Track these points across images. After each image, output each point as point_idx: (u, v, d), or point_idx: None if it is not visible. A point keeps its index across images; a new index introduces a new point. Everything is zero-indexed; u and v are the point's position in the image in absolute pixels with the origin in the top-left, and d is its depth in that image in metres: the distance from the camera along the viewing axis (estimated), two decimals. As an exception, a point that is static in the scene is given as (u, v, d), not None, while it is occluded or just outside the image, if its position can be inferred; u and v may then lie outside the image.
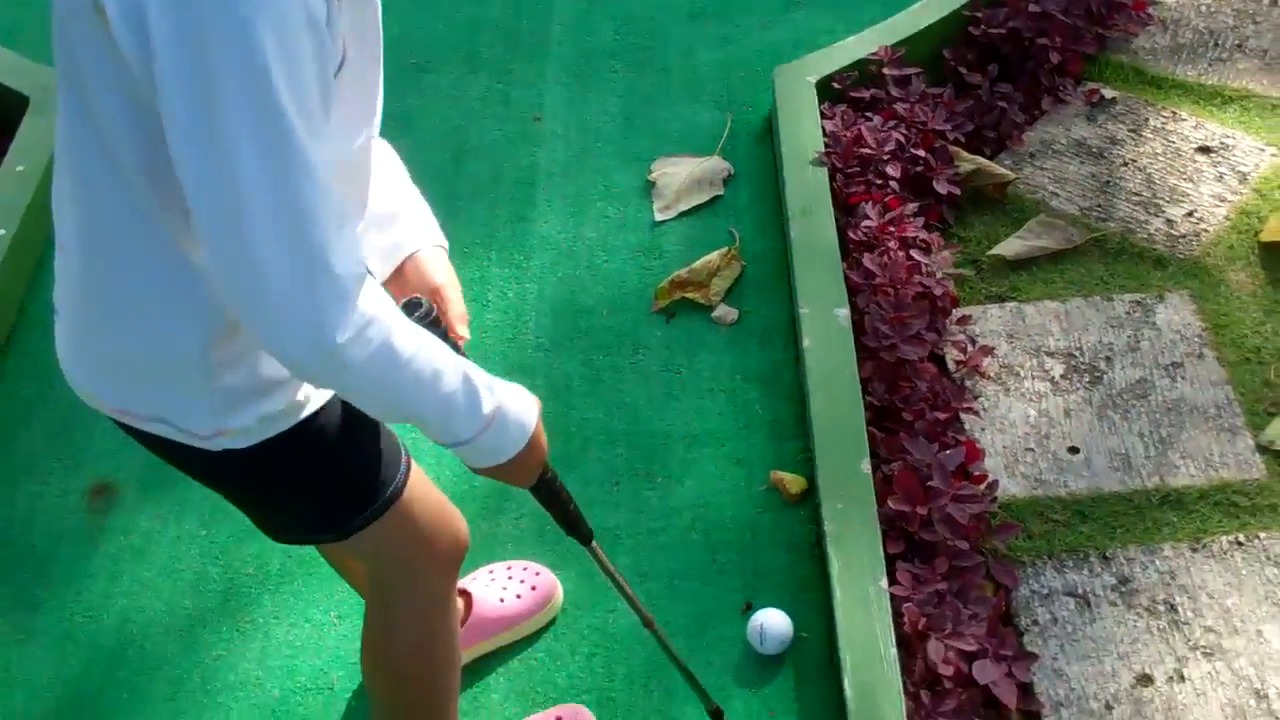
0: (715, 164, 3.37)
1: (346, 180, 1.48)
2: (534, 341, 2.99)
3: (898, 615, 2.40)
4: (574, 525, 1.92)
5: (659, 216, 3.26)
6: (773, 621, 2.44)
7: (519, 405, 1.62)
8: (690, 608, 2.50)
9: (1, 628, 2.48)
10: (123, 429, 1.65)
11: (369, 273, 1.41)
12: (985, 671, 2.37)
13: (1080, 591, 2.62)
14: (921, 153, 3.29)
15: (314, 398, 1.64)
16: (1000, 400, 2.95)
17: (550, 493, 1.83)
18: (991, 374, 3.01)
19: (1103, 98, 3.63)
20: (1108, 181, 3.43)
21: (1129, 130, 3.56)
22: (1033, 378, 3.00)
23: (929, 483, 2.59)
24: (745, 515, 2.66)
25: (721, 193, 3.31)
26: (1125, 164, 3.47)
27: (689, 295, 3.06)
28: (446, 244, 1.79)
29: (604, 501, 2.67)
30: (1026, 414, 2.92)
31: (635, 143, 3.44)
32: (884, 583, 2.42)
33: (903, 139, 3.30)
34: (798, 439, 2.76)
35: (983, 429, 2.89)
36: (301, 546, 2.23)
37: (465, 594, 2.46)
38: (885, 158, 3.23)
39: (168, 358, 1.53)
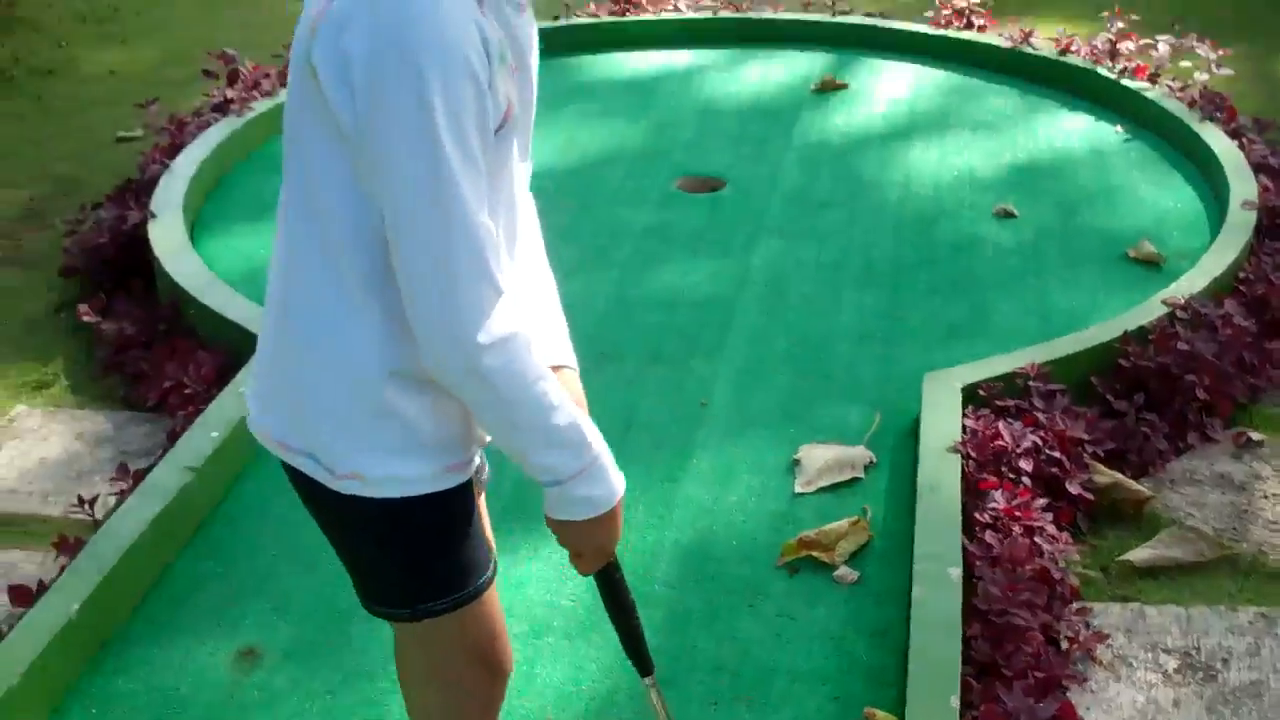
0: (859, 452, 3.59)
1: (497, 208, 1.74)
2: (662, 578, 3.18)
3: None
4: (637, 646, 2.04)
5: (798, 489, 3.47)
6: None
7: (614, 471, 1.82)
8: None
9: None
10: (285, 471, 1.90)
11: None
12: None
13: None
14: (1058, 454, 3.44)
15: (446, 478, 1.84)
16: (1109, 685, 2.98)
17: (613, 589, 1.97)
18: (1104, 661, 3.05)
19: (1250, 440, 3.74)
20: (1246, 510, 3.50)
21: (1274, 470, 3.65)
22: (1145, 669, 3.03)
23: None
24: (834, 746, 2.74)
25: (862, 476, 3.51)
26: (1266, 496, 3.55)
27: (814, 554, 3.23)
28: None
29: (699, 717, 2.78)
30: (1134, 699, 2.94)
31: (789, 431, 3.69)
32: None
33: (1040, 441, 3.47)
34: (897, 686, 2.84)
35: (1087, 708, 2.91)
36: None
37: None
38: (1019, 453, 3.40)
39: (338, 385, 1.77)
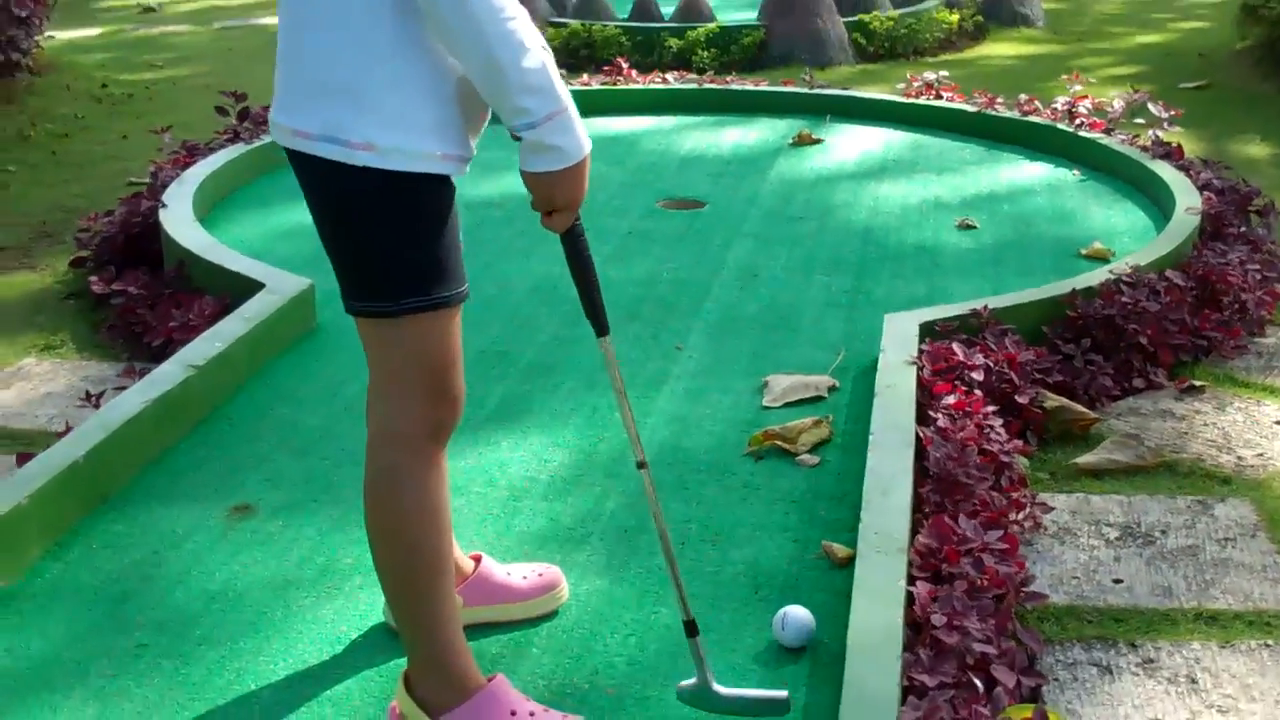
0: (823, 379, 3.81)
1: None
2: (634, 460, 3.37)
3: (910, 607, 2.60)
4: (595, 308, 2.26)
5: (765, 404, 3.69)
6: (796, 613, 2.65)
7: (581, 128, 2.05)
8: (729, 616, 2.74)
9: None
10: (293, 164, 2.13)
11: None
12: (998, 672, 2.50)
13: (1104, 664, 2.74)
14: (1009, 373, 3.67)
15: (441, 164, 2.06)
16: (1054, 547, 3.17)
17: (578, 251, 2.21)
18: (1050, 532, 3.24)
19: (1193, 386, 3.97)
20: (1186, 433, 3.71)
21: (1214, 407, 3.87)
22: (1088, 537, 3.21)
23: (964, 538, 2.82)
24: (793, 570, 2.91)
25: (825, 396, 3.73)
26: (1206, 424, 3.76)
27: (778, 443, 3.43)
28: None
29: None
30: (1078, 558, 3.12)
31: (758, 366, 3.92)
32: (902, 589, 2.63)
33: (991, 364, 3.70)
34: (853, 532, 3.02)
35: (1033, 561, 3.09)
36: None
37: (476, 556, 2.71)
38: (972, 365, 3.63)
39: (356, 59, 1.99)
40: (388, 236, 2.10)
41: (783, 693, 2.38)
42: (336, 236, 2.15)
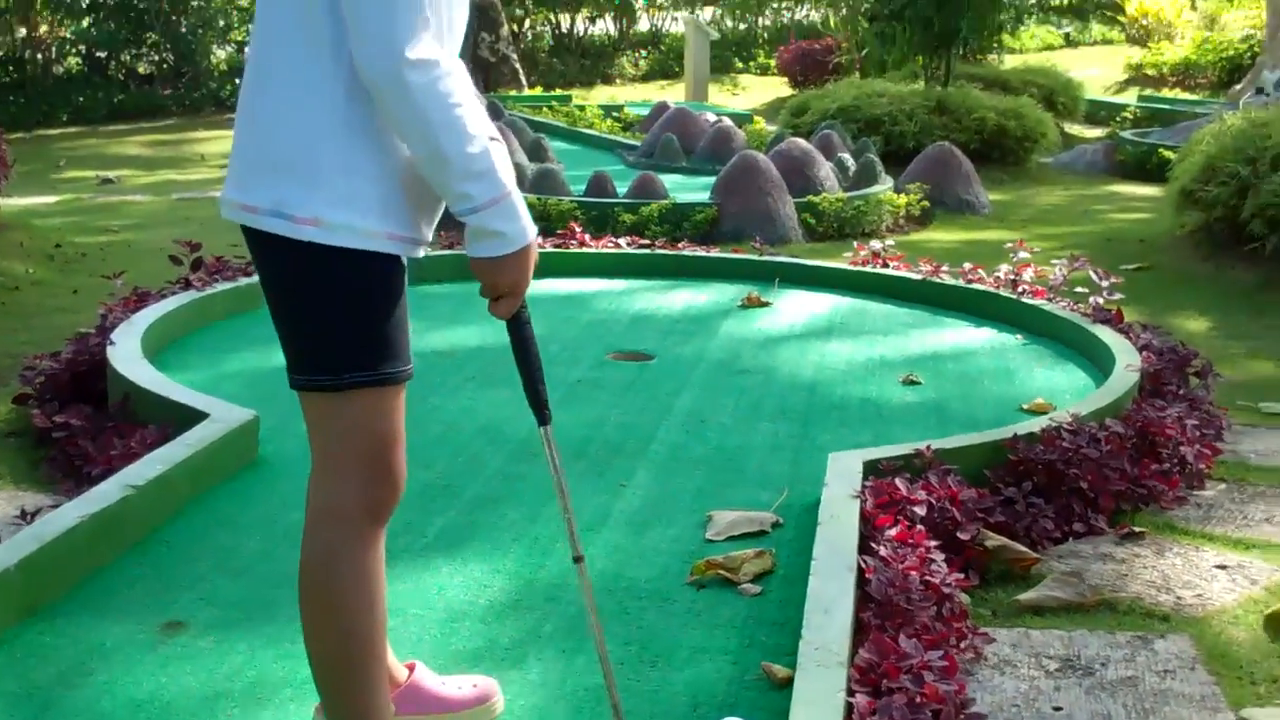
0: (766, 515, 3.82)
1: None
2: (576, 586, 3.36)
3: None
4: (537, 396, 2.33)
5: (709, 538, 3.68)
6: None
7: (525, 215, 2.11)
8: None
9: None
10: (245, 238, 2.18)
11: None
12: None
13: (1045, 787, 2.71)
14: (951, 509, 3.69)
15: (388, 243, 2.12)
16: (994, 677, 3.15)
17: (523, 339, 2.27)
18: (991, 663, 3.22)
19: (1133, 532, 4.00)
20: (1126, 575, 3.73)
21: (1153, 551, 3.89)
22: (1029, 669, 3.20)
23: (904, 655, 2.80)
24: (732, 690, 2.89)
25: (769, 531, 3.74)
26: (1146, 569, 3.78)
27: (721, 572, 3.42)
28: None
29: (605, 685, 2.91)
30: (1018, 687, 3.11)
31: (702, 503, 3.93)
32: (842, 699, 2.60)
33: (934, 501, 3.72)
34: (793, 655, 2.99)
35: (973, 690, 3.07)
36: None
37: (410, 665, 2.66)
38: (914, 500, 3.65)
39: (309, 139, 2.07)
40: (334, 312, 2.14)
41: None
42: (283, 310, 2.19)
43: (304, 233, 2.09)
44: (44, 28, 18.59)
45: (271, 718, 2.72)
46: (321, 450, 2.22)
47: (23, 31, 18.53)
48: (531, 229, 2.14)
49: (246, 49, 2.18)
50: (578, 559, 2.43)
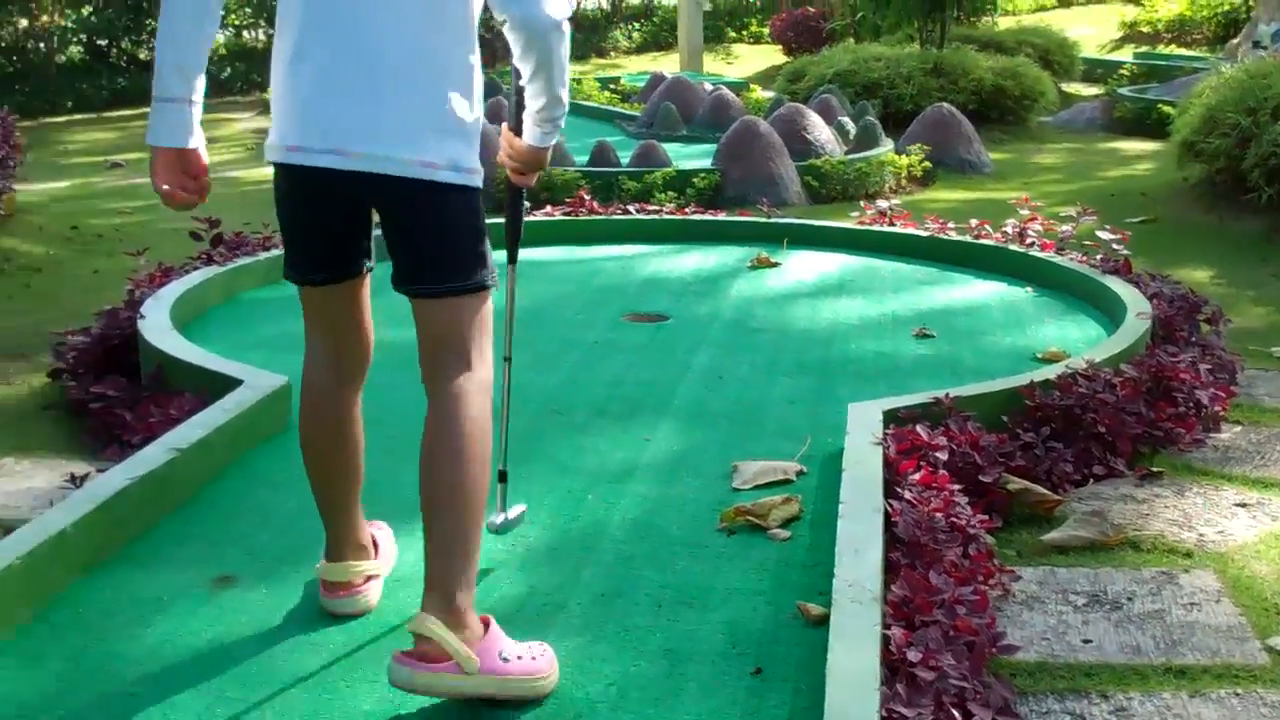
0: (791, 464, 3.91)
1: None
2: (610, 537, 3.45)
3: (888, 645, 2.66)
4: (516, 239, 3.16)
5: (735, 487, 3.77)
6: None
7: None
8: (709, 670, 2.80)
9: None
10: (375, 187, 2.64)
11: None
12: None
13: (1078, 713, 2.80)
14: (972, 454, 3.78)
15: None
16: (1023, 613, 3.24)
17: (521, 198, 3.14)
18: (1019, 600, 3.31)
19: (1151, 473, 4.09)
20: (1148, 514, 3.82)
21: (1173, 492, 3.98)
22: (1057, 604, 3.29)
23: (936, 589, 2.89)
24: (769, 629, 2.97)
25: (793, 479, 3.82)
26: (1167, 507, 3.87)
27: (750, 519, 3.51)
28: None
29: (645, 625, 3.00)
30: (1047, 621, 3.20)
31: (726, 454, 4.02)
32: (878, 632, 2.69)
33: (955, 446, 3.81)
34: (826, 594, 3.08)
35: (1002, 625, 3.16)
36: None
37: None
38: (936, 445, 3.74)
39: (461, 107, 2.66)
40: (481, 234, 2.75)
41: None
42: (440, 240, 2.69)
43: (471, 180, 2.69)
44: (45, 17, 18.58)
45: (324, 661, 2.81)
46: (463, 342, 2.71)
47: (24, 22, 18.52)
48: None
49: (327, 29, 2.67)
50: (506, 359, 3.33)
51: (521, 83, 2.79)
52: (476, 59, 2.70)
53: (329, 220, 2.76)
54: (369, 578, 3.05)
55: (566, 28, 2.69)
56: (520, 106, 2.86)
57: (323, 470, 2.95)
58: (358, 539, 3.03)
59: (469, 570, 2.64)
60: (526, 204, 3.09)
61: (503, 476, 3.31)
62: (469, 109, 2.67)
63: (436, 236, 2.69)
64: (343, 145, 2.60)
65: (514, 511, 3.37)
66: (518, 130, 2.92)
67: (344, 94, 2.61)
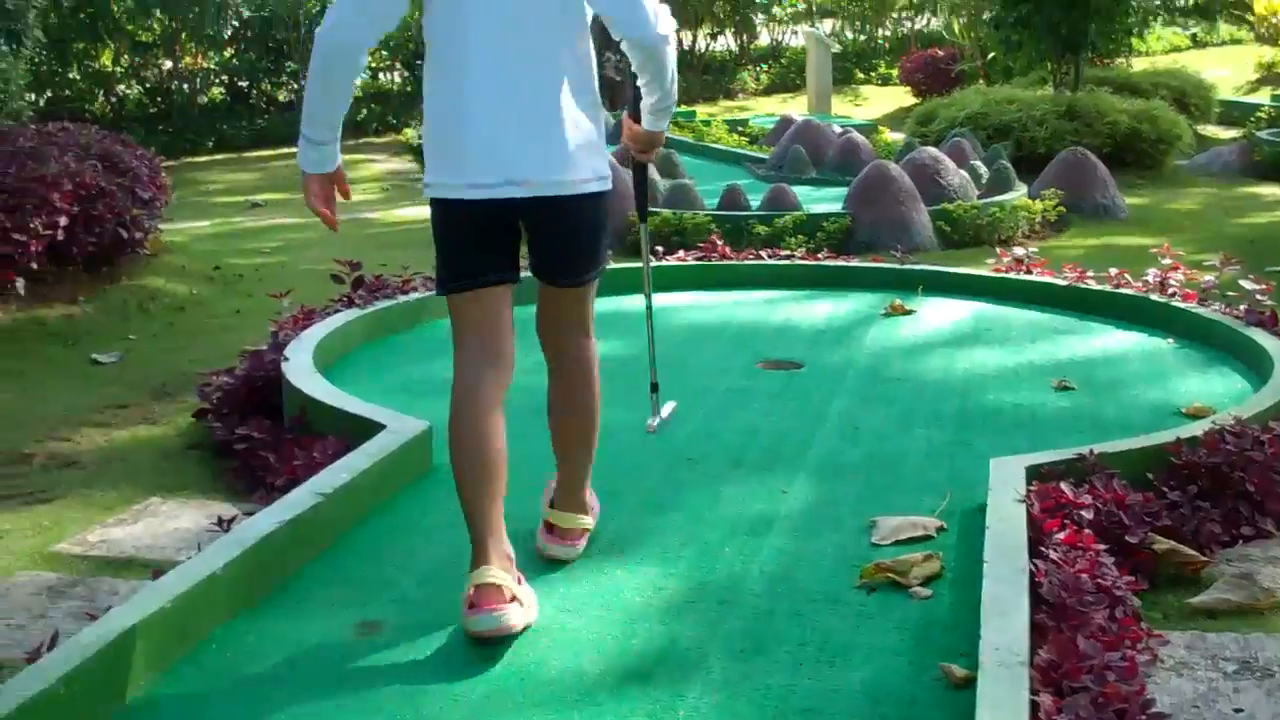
0: (930, 520, 3.88)
1: None
2: (750, 590, 3.45)
3: None
4: (644, 199, 3.85)
5: (874, 541, 3.75)
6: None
7: None
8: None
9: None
10: (542, 208, 3.23)
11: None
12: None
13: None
14: (1117, 512, 3.71)
15: None
16: (1171, 679, 3.18)
17: (646, 171, 3.78)
18: (1166, 666, 3.24)
19: (1302, 534, 3.98)
20: (1301, 579, 3.72)
21: (1327, 556, 3.87)
22: (1206, 670, 3.22)
23: (1085, 655, 2.84)
24: (911, 690, 2.95)
25: (934, 535, 3.79)
26: (1320, 571, 3.77)
27: (890, 576, 3.49)
28: None
29: (785, 684, 2.99)
30: (1196, 689, 3.13)
31: (864, 509, 3.99)
32: (1026, 699, 2.65)
33: (1100, 505, 3.74)
34: (970, 656, 3.04)
35: (1151, 692, 3.09)
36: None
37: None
38: (1081, 504, 3.68)
39: (596, 130, 3.27)
40: (607, 230, 3.45)
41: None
42: (587, 239, 3.34)
43: (608, 184, 3.32)
44: (188, 59, 19.13)
45: (464, 714, 2.84)
46: (585, 316, 3.47)
47: (169, 64, 19.09)
48: None
49: (474, 62, 3.19)
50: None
51: (639, 83, 3.38)
52: (596, 81, 3.28)
53: (494, 236, 3.23)
54: (514, 597, 3.17)
55: (673, 39, 3.29)
56: (637, 99, 3.45)
57: (477, 468, 3.19)
58: (504, 549, 3.22)
59: (588, 478, 3.63)
60: (651, 178, 3.44)
61: (654, 387, 4.06)
62: (599, 126, 3.28)
63: (585, 236, 3.33)
64: (521, 177, 3.15)
65: (666, 410, 4.12)
66: (636, 118, 3.52)
67: (515, 134, 3.15)
